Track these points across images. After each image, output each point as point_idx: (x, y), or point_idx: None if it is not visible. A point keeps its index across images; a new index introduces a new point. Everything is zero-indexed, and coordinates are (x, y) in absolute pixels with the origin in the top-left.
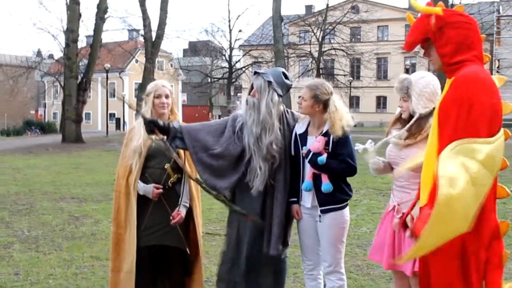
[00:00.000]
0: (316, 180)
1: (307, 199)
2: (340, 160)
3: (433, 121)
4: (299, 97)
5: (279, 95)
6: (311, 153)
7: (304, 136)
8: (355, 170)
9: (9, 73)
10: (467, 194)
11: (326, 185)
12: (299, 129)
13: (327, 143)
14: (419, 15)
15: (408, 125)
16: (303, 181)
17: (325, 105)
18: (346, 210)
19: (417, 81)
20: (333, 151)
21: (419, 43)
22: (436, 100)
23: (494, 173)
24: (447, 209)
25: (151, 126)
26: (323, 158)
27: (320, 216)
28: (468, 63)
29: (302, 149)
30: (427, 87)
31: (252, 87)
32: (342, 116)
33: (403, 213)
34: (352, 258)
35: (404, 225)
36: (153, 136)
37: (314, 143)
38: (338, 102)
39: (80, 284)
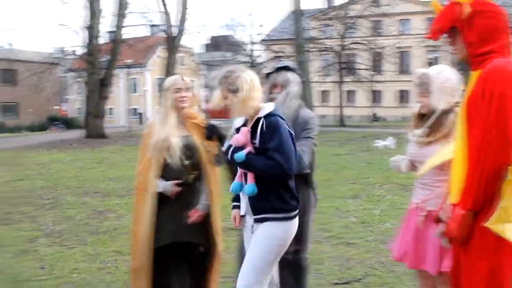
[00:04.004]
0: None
1: (242, 205)
2: (267, 156)
3: (460, 117)
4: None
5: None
6: (231, 148)
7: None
8: (284, 169)
9: (33, 69)
10: None
11: (249, 187)
12: (237, 122)
13: (254, 136)
14: (446, 2)
15: (429, 122)
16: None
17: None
18: (286, 226)
19: (437, 76)
20: (261, 145)
21: (445, 32)
22: (457, 95)
23: None
24: None
25: (211, 131)
26: (241, 154)
27: (253, 226)
28: (495, 54)
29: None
30: (447, 82)
31: (274, 84)
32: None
33: (427, 211)
34: (376, 254)
35: (436, 220)
36: (204, 142)
37: (236, 135)
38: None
39: (104, 278)
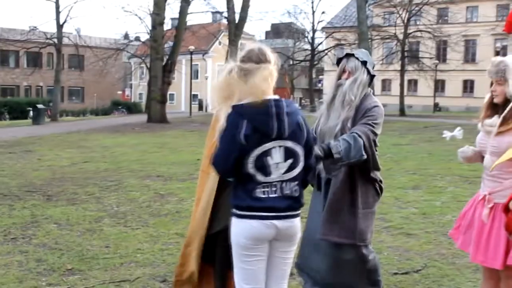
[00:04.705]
0: None
1: None
2: None
3: None
4: None
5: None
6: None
7: None
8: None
9: (98, 54)
10: None
11: None
12: None
13: None
14: None
15: (506, 111)
16: None
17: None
18: (233, 222)
19: None
20: None
21: None
22: None
23: None
24: None
25: None
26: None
27: None
28: None
29: None
30: None
31: (343, 70)
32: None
33: (494, 203)
34: (437, 246)
35: (505, 211)
36: None
37: None
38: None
39: (166, 259)
